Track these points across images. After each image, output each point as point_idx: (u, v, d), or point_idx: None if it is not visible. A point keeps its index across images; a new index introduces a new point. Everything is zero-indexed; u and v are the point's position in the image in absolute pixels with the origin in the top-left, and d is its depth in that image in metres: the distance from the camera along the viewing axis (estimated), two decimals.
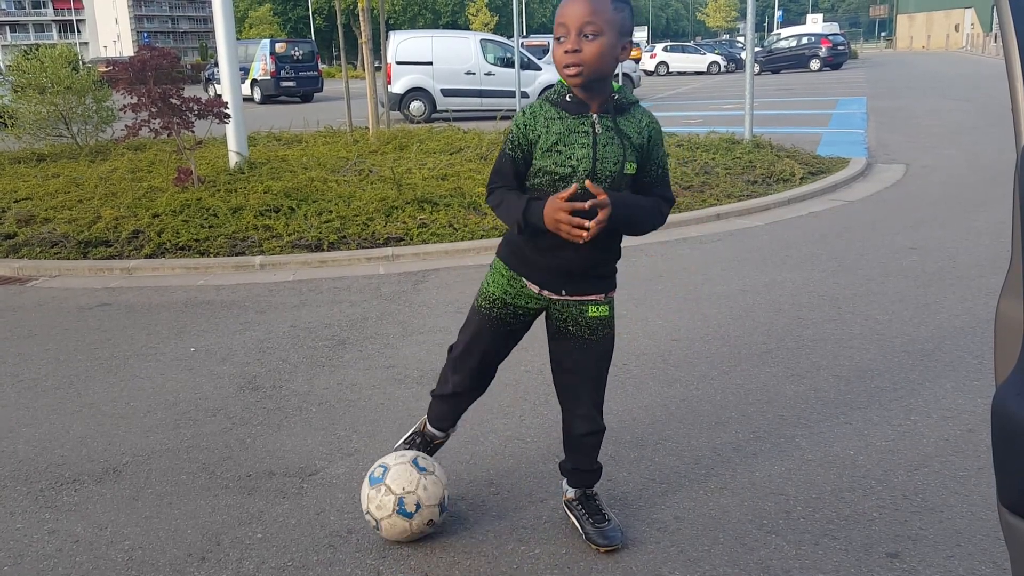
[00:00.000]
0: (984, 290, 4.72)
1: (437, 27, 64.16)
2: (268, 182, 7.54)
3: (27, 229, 6.63)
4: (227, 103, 8.12)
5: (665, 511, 2.62)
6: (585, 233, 2.06)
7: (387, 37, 15.18)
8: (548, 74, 17.90)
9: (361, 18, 11.38)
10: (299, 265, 5.88)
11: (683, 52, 42.45)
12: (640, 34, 64.45)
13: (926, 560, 2.33)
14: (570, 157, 2.14)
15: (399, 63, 17.64)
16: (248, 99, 25.18)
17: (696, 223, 6.78)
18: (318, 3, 69.96)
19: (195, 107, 7.77)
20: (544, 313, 2.39)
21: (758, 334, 4.18)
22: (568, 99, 2.15)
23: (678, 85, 30.05)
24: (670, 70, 40.68)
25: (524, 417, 3.33)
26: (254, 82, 26.34)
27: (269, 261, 5.89)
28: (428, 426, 2.70)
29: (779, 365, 3.77)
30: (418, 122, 16.61)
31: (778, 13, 61.02)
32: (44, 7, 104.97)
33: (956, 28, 66.07)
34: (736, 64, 39.81)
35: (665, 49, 42.59)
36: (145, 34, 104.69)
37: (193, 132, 8.07)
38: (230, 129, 8.50)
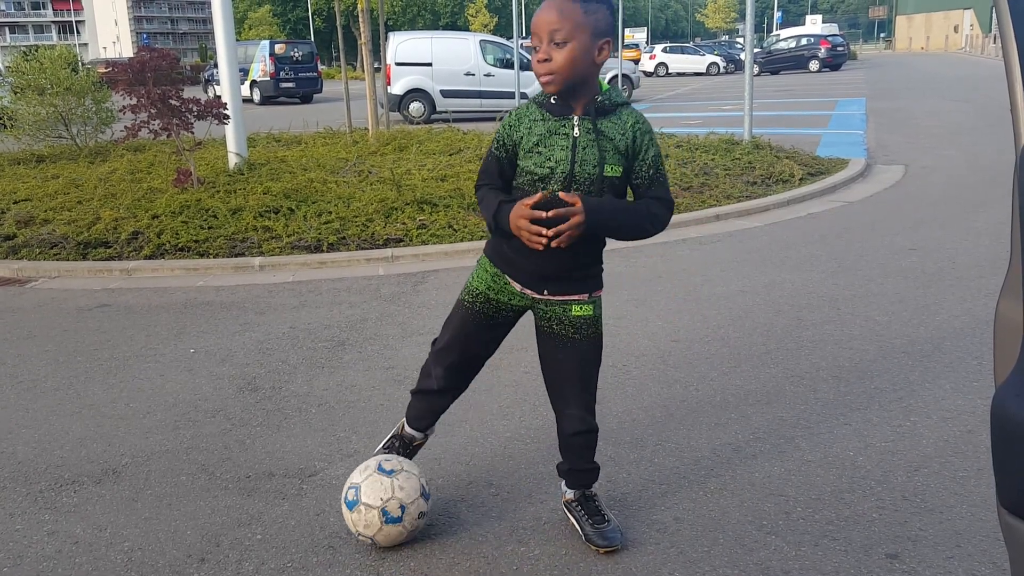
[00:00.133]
0: (984, 291, 4.72)
1: (436, 28, 64.24)
2: (267, 183, 7.54)
3: (26, 230, 6.63)
4: (226, 104, 8.12)
5: (665, 512, 2.62)
6: (544, 241, 2.07)
7: (386, 38, 15.18)
8: None
9: (360, 19, 11.39)
10: (298, 266, 5.88)
11: (682, 53, 42.47)
12: (639, 35, 64.53)
13: (926, 561, 2.33)
14: (549, 159, 2.16)
15: (398, 64, 17.64)
16: (247, 100, 25.17)
17: (695, 224, 6.79)
18: (317, 4, 69.96)
19: (194, 108, 7.77)
20: (531, 311, 2.39)
21: (757, 335, 4.18)
22: (552, 101, 2.17)
23: (677, 86, 30.06)
24: (669, 71, 40.70)
25: (524, 418, 3.33)
26: (253, 83, 26.34)
27: (268, 262, 5.89)
28: (407, 428, 2.69)
29: (779, 366, 3.77)
30: (417, 123, 16.63)
31: (777, 14, 61.00)
32: (43, 8, 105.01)
33: (955, 29, 66.10)
34: (735, 65, 39.84)
35: (664, 50, 42.61)
36: (144, 35, 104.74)
37: (192, 133, 8.07)
38: (229, 130, 8.50)
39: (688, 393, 3.52)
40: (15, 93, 11.86)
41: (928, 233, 6.19)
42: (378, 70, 14.68)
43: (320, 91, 27.91)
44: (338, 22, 12.53)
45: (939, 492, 2.67)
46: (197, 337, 4.47)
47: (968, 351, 3.86)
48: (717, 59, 40.70)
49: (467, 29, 60.48)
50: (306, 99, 27.22)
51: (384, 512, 2.35)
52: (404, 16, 68.60)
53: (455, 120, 13.99)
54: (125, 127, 7.80)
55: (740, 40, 52.46)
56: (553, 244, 2.09)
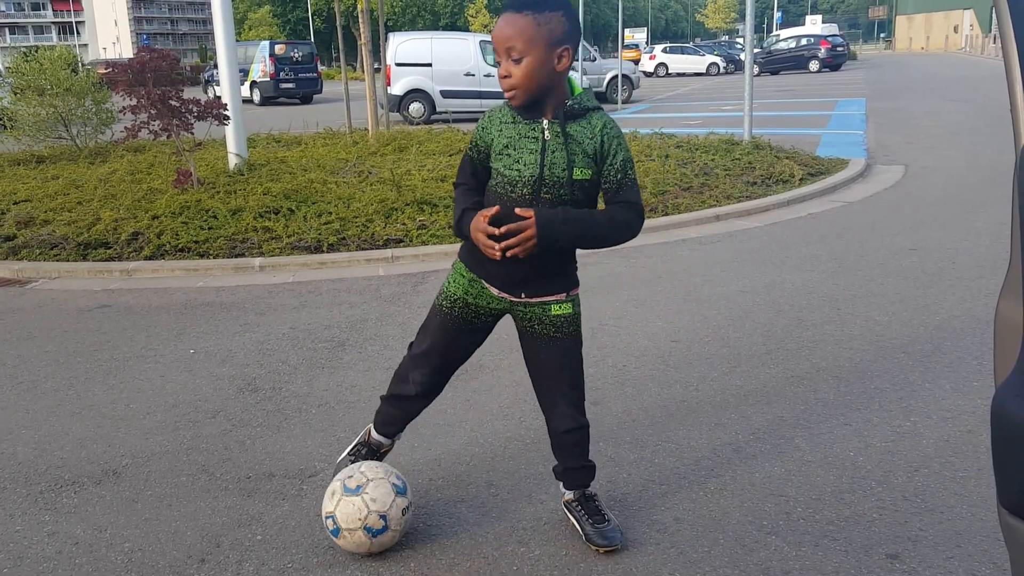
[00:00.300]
0: (984, 291, 4.72)
1: (436, 28, 64.25)
2: (267, 184, 7.54)
3: (26, 231, 6.63)
4: (226, 105, 8.12)
5: (665, 512, 2.62)
6: (497, 254, 2.10)
7: (386, 39, 15.19)
8: None
9: (360, 20, 11.39)
10: (299, 267, 5.88)
11: (682, 53, 42.47)
12: (639, 35, 64.54)
13: (926, 561, 2.33)
14: (518, 161, 2.17)
15: (398, 65, 17.64)
16: (247, 101, 25.17)
17: (695, 224, 6.79)
18: (317, 5, 69.98)
19: (194, 109, 7.77)
20: (511, 314, 2.40)
21: (757, 335, 4.18)
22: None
23: (677, 86, 30.07)
24: (669, 71, 40.70)
25: (524, 418, 3.32)
26: (253, 84, 26.33)
27: (269, 263, 5.89)
28: (374, 434, 2.67)
29: (779, 366, 3.77)
30: (417, 123, 16.62)
31: (777, 14, 60.99)
32: (43, 9, 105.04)
33: (955, 29, 66.10)
34: (735, 65, 39.83)
35: (664, 50, 42.61)
36: (144, 36, 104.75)
37: (192, 134, 8.08)
38: (229, 131, 8.51)
39: (688, 393, 3.52)
40: (15, 94, 11.87)
41: (928, 233, 6.19)
42: (378, 71, 14.68)
43: (320, 92, 27.91)
44: (338, 23, 12.54)
45: (939, 492, 2.67)
46: (197, 338, 4.47)
47: (968, 351, 3.86)
48: (717, 59, 40.70)
49: (467, 29, 60.49)
50: (306, 100, 27.22)
51: (368, 530, 2.33)
52: (404, 16, 68.65)
53: (455, 120, 13.99)
54: (125, 128, 7.81)
55: (740, 40, 52.48)
56: (508, 255, 2.11)
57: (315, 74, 27.53)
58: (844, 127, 13.51)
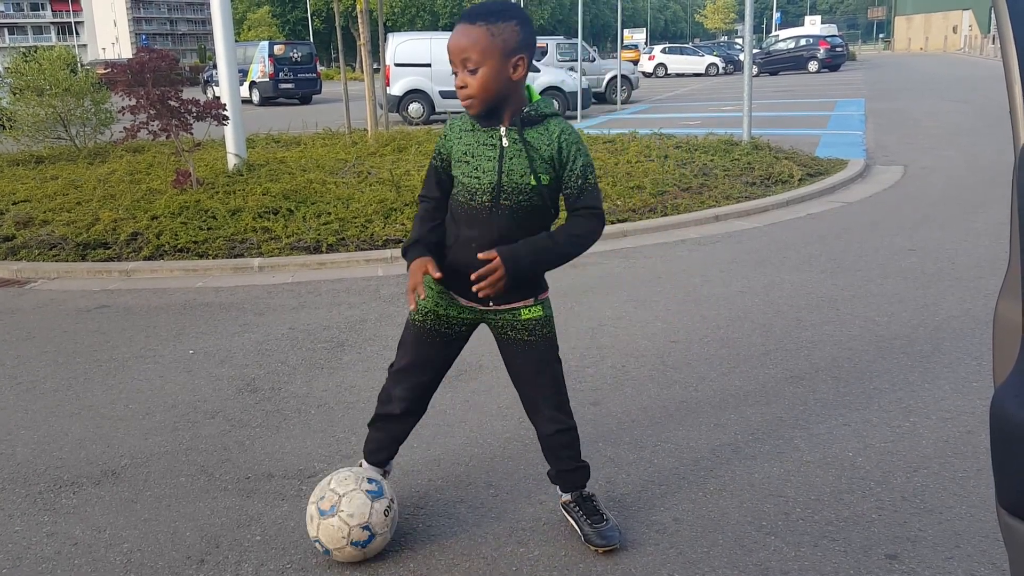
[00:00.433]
0: (983, 291, 4.72)
1: (436, 29, 64.20)
2: (267, 184, 7.54)
3: (25, 231, 6.63)
4: (225, 105, 8.12)
5: (664, 513, 2.62)
6: (413, 304, 2.23)
7: (385, 39, 15.18)
8: (547, 75, 17.90)
9: (360, 20, 11.39)
10: (298, 267, 5.87)
11: (681, 54, 42.47)
12: (638, 36, 64.55)
13: (925, 562, 2.33)
14: (476, 169, 2.20)
15: (397, 65, 17.63)
16: (247, 101, 25.16)
17: (695, 224, 6.79)
18: (316, 5, 69.97)
19: (193, 109, 7.77)
20: (485, 323, 2.40)
21: (757, 336, 4.18)
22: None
23: (676, 87, 30.07)
24: (668, 72, 40.70)
25: (523, 419, 3.31)
26: (252, 84, 26.32)
27: (268, 263, 5.89)
28: (365, 465, 2.62)
29: (778, 367, 3.77)
30: (417, 124, 16.63)
31: (776, 15, 61.05)
32: (42, 9, 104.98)
33: (954, 30, 66.14)
34: (734, 66, 39.82)
35: (663, 51, 42.60)
36: (144, 36, 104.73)
37: (191, 134, 8.08)
38: (228, 131, 8.51)
39: (687, 394, 3.52)
40: (14, 94, 11.86)
41: (927, 234, 6.19)
42: (377, 71, 14.67)
43: (319, 92, 27.91)
44: (337, 23, 12.53)
45: (938, 493, 2.67)
46: (196, 338, 4.47)
47: (967, 351, 3.86)
48: (716, 60, 40.70)
49: None
50: (305, 100, 27.22)
51: (355, 544, 2.31)
52: (403, 17, 68.64)
53: None
54: (124, 128, 7.81)
55: (739, 41, 52.51)
56: (481, 296, 2.16)
57: (314, 74, 27.52)
58: (843, 127, 13.52)
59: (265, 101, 26.27)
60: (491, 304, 2.30)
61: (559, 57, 22.01)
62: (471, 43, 2.05)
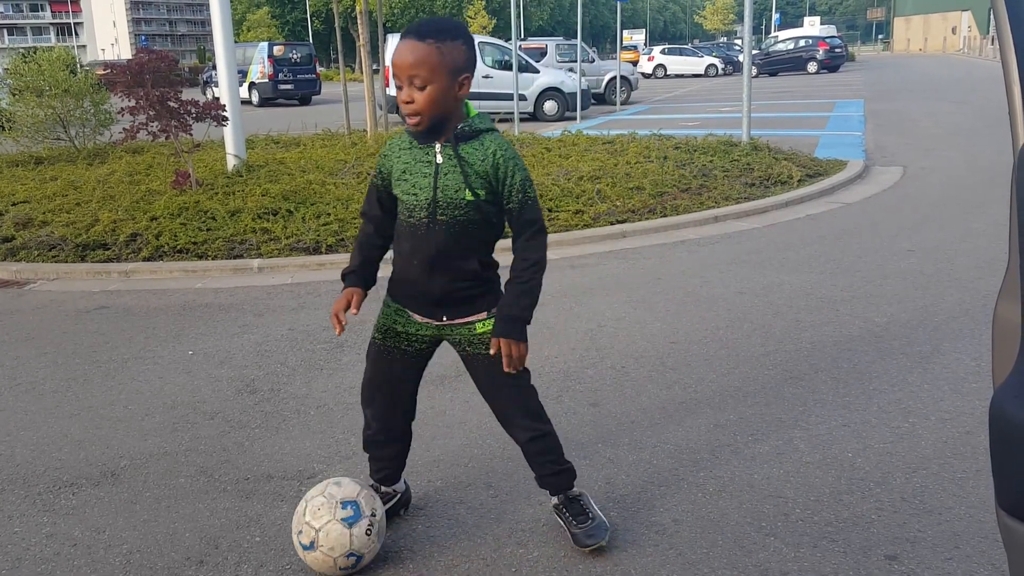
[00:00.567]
0: (982, 292, 4.72)
1: None
2: (266, 185, 7.54)
3: (25, 232, 6.63)
4: (225, 106, 8.12)
5: (663, 514, 2.62)
6: (339, 331, 2.30)
7: (385, 40, 15.19)
8: (546, 77, 17.91)
9: (359, 21, 11.39)
10: (297, 268, 5.87)
11: (681, 55, 42.46)
12: (638, 37, 64.54)
13: (924, 562, 2.33)
14: (414, 186, 2.22)
15: None
16: (246, 102, 25.15)
17: (694, 225, 6.79)
18: (316, 6, 69.97)
19: (193, 110, 7.78)
20: (445, 339, 2.40)
21: (756, 336, 4.18)
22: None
23: (676, 88, 30.08)
24: (668, 72, 40.69)
25: None
26: (252, 85, 26.32)
27: (267, 264, 5.89)
28: (372, 483, 2.62)
29: (777, 367, 3.77)
30: None
31: (775, 16, 61.02)
32: (42, 10, 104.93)
33: (953, 31, 66.16)
34: (734, 67, 39.83)
35: (663, 52, 42.59)
36: (143, 37, 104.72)
37: (191, 135, 8.08)
38: (228, 132, 8.50)
39: (687, 395, 3.52)
40: (13, 95, 11.85)
41: (927, 234, 6.20)
42: (376, 72, 14.68)
43: (319, 93, 27.91)
44: (337, 24, 12.54)
45: (938, 493, 2.67)
46: (196, 339, 4.47)
47: (967, 352, 3.86)
48: (715, 61, 40.70)
49: None
50: (304, 101, 27.21)
51: (344, 568, 2.28)
52: (403, 18, 68.62)
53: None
54: (124, 129, 7.81)
55: (738, 42, 52.52)
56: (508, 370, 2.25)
57: (314, 75, 27.52)
58: (842, 128, 13.53)
59: (264, 102, 26.28)
60: (444, 319, 2.32)
61: (558, 58, 22.02)
62: (420, 60, 2.06)
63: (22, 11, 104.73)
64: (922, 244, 5.91)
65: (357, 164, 8.87)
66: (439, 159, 2.20)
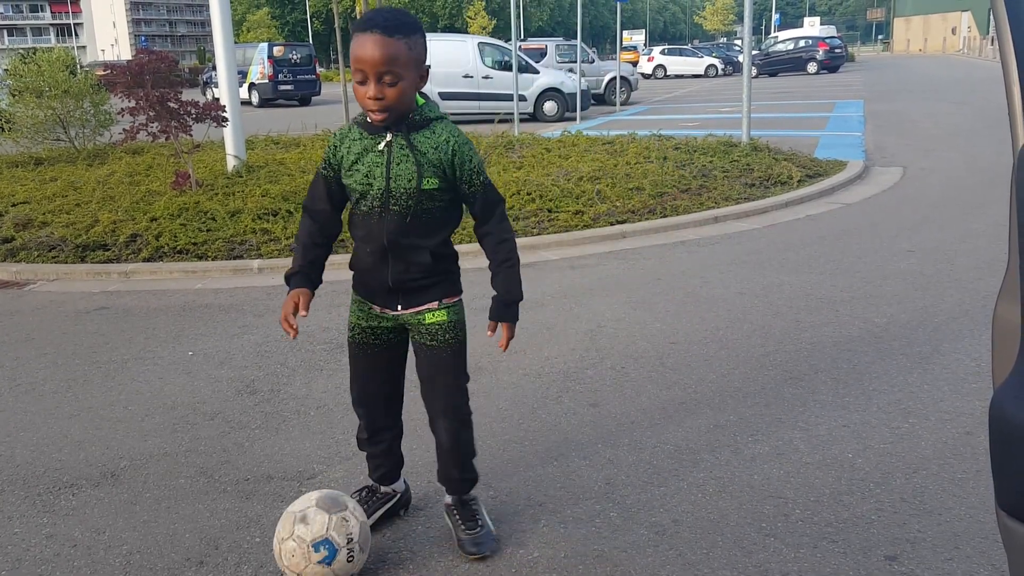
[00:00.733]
0: (982, 293, 4.73)
1: (435, 30, 64.24)
2: (266, 185, 7.54)
3: (25, 233, 6.63)
4: (225, 107, 8.12)
5: (663, 514, 2.62)
6: (292, 334, 2.21)
7: None
8: (546, 77, 17.91)
9: None
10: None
11: (680, 55, 42.46)
12: (638, 37, 64.55)
13: (924, 563, 2.33)
14: (366, 176, 2.22)
15: None
16: (246, 103, 25.15)
17: (694, 226, 6.79)
18: (316, 7, 69.99)
19: (193, 111, 7.77)
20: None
21: (756, 337, 4.18)
22: (369, 120, 2.20)
23: (675, 88, 30.09)
24: (667, 73, 40.70)
25: (522, 421, 3.32)
26: (252, 85, 26.32)
27: (267, 264, 5.88)
28: (370, 483, 2.63)
29: (777, 368, 3.77)
30: None
31: (775, 16, 61.02)
32: (42, 11, 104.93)
33: (953, 31, 66.17)
34: (733, 67, 39.84)
35: (662, 52, 42.59)
36: (143, 38, 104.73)
37: (191, 136, 8.08)
38: (228, 133, 8.51)
39: (686, 395, 3.52)
40: (13, 96, 11.85)
41: (926, 235, 6.20)
42: None
43: (318, 93, 27.91)
44: (336, 24, 12.53)
45: (938, 494, 2.67)
46: (195, 340, 4.47)
47: (966, 353, 3.86)
48: (715, 61, 40.71)
49: (466, 31, 60.51)
50: (304, 101, 27.22)
51: None
52: None
53: (453, 122, 13.99)
54: (123, 130, 7.81)
55: (738, 42, 52.54)
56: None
57: (313, 76, 27.52)
58: (842, 129, 13.53)
59: (264, 103, 26.28)
60: (399, 308, 2.33)
61: (558, 58, 22.03)
62: (392, 56, 2.04)
63: (22, 12, 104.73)
64: (922, 245, 5.91)
65: None
66: (391, 148, 2.19)
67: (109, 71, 8.16)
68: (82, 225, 6.63)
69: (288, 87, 26.55)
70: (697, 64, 40.75)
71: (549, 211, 6.94)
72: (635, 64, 35.00)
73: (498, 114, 15.13)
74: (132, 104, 7.67)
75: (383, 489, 2.61)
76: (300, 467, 3.01)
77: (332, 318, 4.74)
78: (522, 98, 16.37)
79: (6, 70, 13.17)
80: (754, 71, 28.45)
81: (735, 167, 8.67)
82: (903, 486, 2.73)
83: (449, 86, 17.65)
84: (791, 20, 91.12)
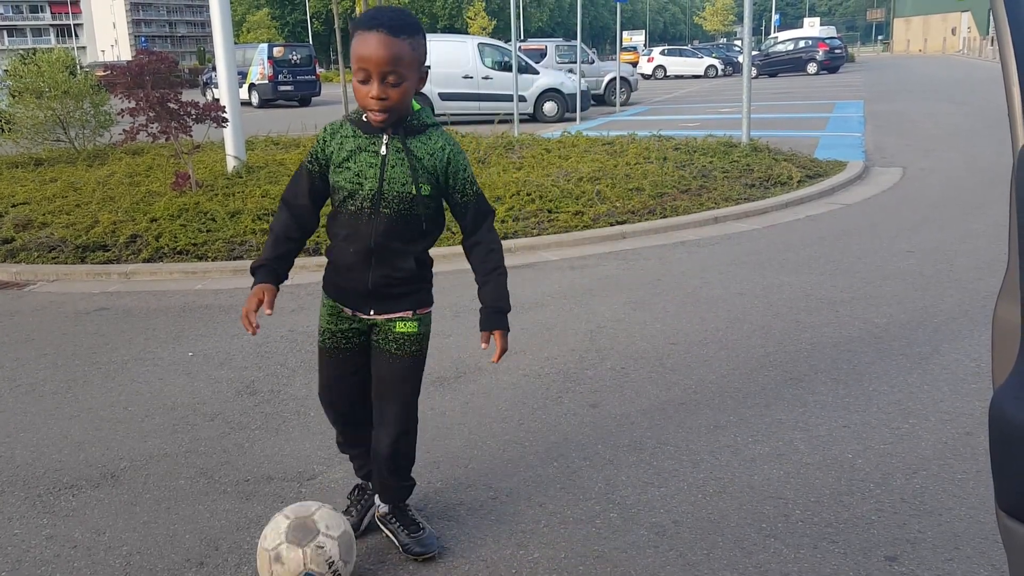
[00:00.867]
0: (982, 293, 4.73)
1: (435, 31, 64.25)
2: (266, 186, 7.54)
3: (25, 234, 6.62)
4: (225, 107, 8.12)
5: (664, 515, 2.62)
6: (251, 330, 2.18)
7: None
8: (546, 78, 17.91)
9: None
10: (297, 269, 5.81)
11: (680, 56, 42.46)
12: (637, 38, 64.56)
13: (924, 563, 2.33)
14: (358, 175, 2.19)
15: None
16: (246, 103, 25.14)
17: (694, 226, 6.79)
18: (316, 7, 70.00)
19: (193, 111, 7.78)
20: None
21: (756, 338, 4.18)
22: (365, 119, 2.18)
23: (675, 89, 30.09)
24: (667, 74, 40.69)
25: (523, 421, 3.32)
26: (252, 86, 26.31)
27: None
28: (359, 480, 2.63)
29: (777, 368, 3.77)
30: None
31: (775, 17, 61.00)
32: (42, 11, 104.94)
33: (953, 32, 66.18)
34: (733, 68, 39.83)
35: (662, 53, 42.59)
36: (143, 38, 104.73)
37: (191, 136, 8.08)
38: (228, 133, 8.51)
39: (686, 396, 3.52)
40: (13, 96, 11.85)
41: (926, 235, 6.20)
42: None
43: (318, 94, 27.90)
44: (336, 25, 12.53)
45: (938, 494, 2.67)
46: (195, 340, 4.47)
47: (966, 353, 3.86)
48: (715, 62, 40.71)
49: (465, 32, 60.50)
50: (304, 102, 27.20)
51: None
52: None
53: (453, 123, 14.01)
54: (123, 130, 7.81)
55: (738, 43, 52.54)
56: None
57: (313, 76, 27.51)
58: (842, 129, 13.53)
59: (264, 103, 26.27)
60: (371, 313, 2.31)
61: (558, 59, 22.03)
62: (398, 56, 2.03)
63: (22, 12, 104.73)
64: (922, 245, 5.91)
65: None
66: (386, 150, 2.17)
67: (109, 72, 8.16)
68: (82, 226, 6.63)
69: (288, 88, 26.54)
70: (697, 65, 40.75)
71: (549, 212, 6.94)
72: (635, 65, 34.99)
73: (498, 115, 15.13)
74: (132, 105, 7.67)
75: (372, 487, 2.61)
76: (300, 468, 3.01)
77: None
78: (522, 99, 16.37)
79: (6, 71, 13.17)
80: (754, 72, 28.43)
81: (735, 168, 8.67)
82: (903, 487, 2.73)
83: (449, 87, 17.66)
84: (791, 21, 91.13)
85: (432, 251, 2.38)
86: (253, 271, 2.30)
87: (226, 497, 2.83)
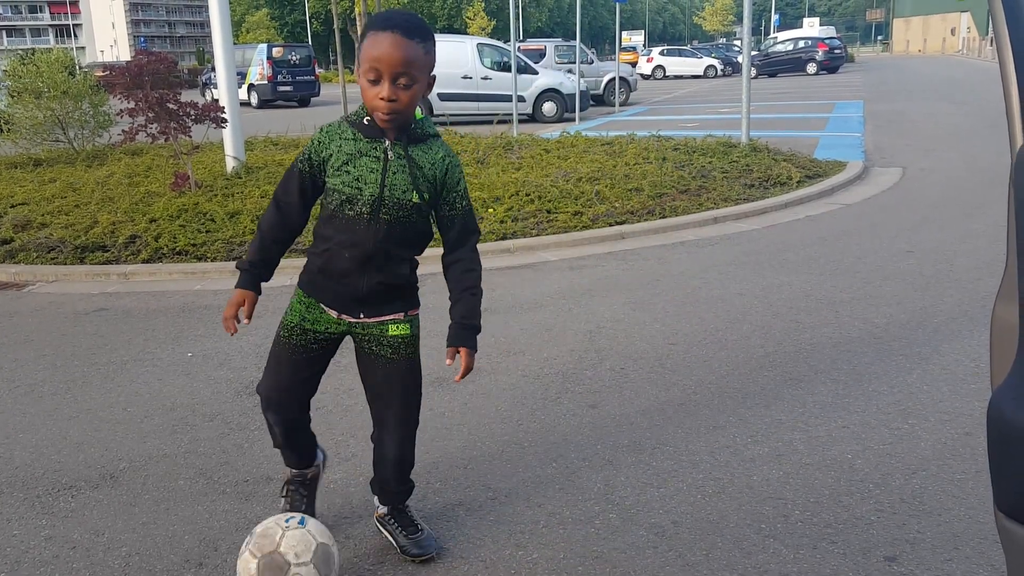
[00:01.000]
0: (981, 293, 4.73)
1: (434, 31, 64.16)
2: (265, 187, 7.54)
3: (23, 234, 6.62)
4: (224, 108, 8.12)
5: (663, 515, 2.62)
6: (230, 331, 2.23)
7: None
8: (545, 78, 17.92)
9: (358, 22, 11.41)
10: (296, 270, 5.83)
11: (680, 56, 42.48)
12: (637, 38, 64.60)
13: (924, 564, 2.33)
14: (357, 179, 2.17)
15: None
16: (245, 104, 25.12)
17: (693, 227, 6.79)
18: (315, 8, 69.99)
19: (192, 112, 7.77)
20: (350, 337, 2.36)
21: (755, 338, 4.18)
22: (366, 122, 2.16)
23: (675, 89, 30.10)
24: (667, 74, 40.70)
25: (522, 422, 3.32)
26: (251, 86, 26.32)
27: None
28: (291, 472, 2.60)
29: (776, 369, 3.77)
30: None
31: (775, 17, 61.08)
32: (41, 12, 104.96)
33: (952, 32, 66.21)
34: (733, 68, 39.84)
35: (662, 53, 42.61)
36: (142, 39, 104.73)
37: (190, 137, 8.07)
38: (227, 134, 8.51)
39: (686, 396, 3.52)
40: (12, 97, 11.85)
41: (926, 235, 6.20)
42: None
43: (317, 94, 27.90)
44: (336, 25, 12.53)
45: (937, 495, 2.67)
46: (195, 341, 4.47)
47: (965, 353, 3.86)
48: (714, 62, 40.73)
49: (464, 32, 60.48)
50: (303, 102, 27.20)
51: None
52: None
53: (453, 123, 14.01)
54: (123, 131, 7.81)
55: (737, 43, 52.56)
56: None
57: (313, 77, 27.51)
58: (842, 129, 13.53)
59: (263, 103, 26.27)
60: (361, 316, 2.28)
61: (557, 59, 22.05)
62: (410, 59, 2.02)
63: (21, 13, 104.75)
64: (921, 245, 5.91)
65: None
66: (389, 156, 2.16)
67: (108, 72, 8.16)
68: (81, 226, 6.63)
69: (287, 88, 26.54)
70: (696, 65, 40.76)
71: (548, 212, 6.94)
72: (634, 65, 35.01)
73: (497, 115, 15.14)
74: (131, 105, 7.67)
75: (309, 473, 2.60)
76: None
77: None
78: (521, 99, 16.38)
79: (5, 71, 13.17)
80: (753, 72, 28.42)
81: (734, 168, 8.67)
82: (902, 487, 2.73)
83: (448, 87, 17.64)
84: (790, 21, 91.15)
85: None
86: (238, 267, 2.32)
87: (225, 498, 2.82)
